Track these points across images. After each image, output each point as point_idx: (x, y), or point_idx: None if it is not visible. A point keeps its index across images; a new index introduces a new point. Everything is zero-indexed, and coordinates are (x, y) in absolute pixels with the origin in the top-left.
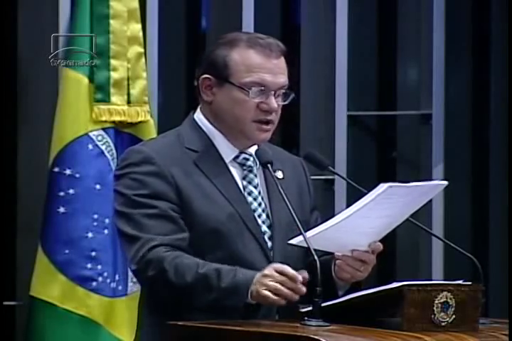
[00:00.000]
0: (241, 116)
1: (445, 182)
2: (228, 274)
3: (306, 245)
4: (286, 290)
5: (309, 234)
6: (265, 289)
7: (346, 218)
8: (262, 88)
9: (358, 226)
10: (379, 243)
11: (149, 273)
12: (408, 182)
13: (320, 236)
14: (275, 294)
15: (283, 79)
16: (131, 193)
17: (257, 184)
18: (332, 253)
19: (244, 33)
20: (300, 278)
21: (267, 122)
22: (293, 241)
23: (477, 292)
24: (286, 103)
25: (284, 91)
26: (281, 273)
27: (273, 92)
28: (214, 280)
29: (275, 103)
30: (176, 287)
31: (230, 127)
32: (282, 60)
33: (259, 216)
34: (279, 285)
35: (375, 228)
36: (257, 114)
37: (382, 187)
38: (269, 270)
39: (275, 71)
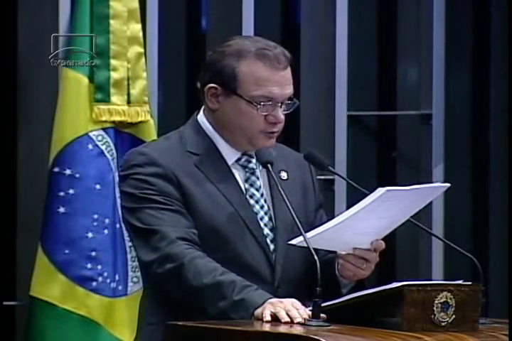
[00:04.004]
0: (248, 128)
1: (447, 185)
2: (243, 288)
3: (306, 245)
4: (286, 318)
5: (309, 235)
6: (269, 312)
7: (345, 220)
8: (270, 102)
9: (357, 227)
10: (381, 241)
11: (167, 266)
12: (408, 183)
13: (320, 237)
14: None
15: (289, 90)
16: (138, 191)
17: (260, 186)
18: (335, 252)
19: (251, 40)
20: (306, 316)
21: (273, 132)
22: (293, 242)
23: (477, 292)
24: (289, 111)
25: (288, 102)
26: (293, 304)
27: (280, 104)
28: (228, 290)
29: (282, 115)
30: (190, 286)
31: (236, 135)
32: (289, 70)
33: (262, 218)
34: (283, 312)
35: (376, 228)
36: (264, 126)
37: (380, 191)
38: (286, 300)
39: (282, 83)
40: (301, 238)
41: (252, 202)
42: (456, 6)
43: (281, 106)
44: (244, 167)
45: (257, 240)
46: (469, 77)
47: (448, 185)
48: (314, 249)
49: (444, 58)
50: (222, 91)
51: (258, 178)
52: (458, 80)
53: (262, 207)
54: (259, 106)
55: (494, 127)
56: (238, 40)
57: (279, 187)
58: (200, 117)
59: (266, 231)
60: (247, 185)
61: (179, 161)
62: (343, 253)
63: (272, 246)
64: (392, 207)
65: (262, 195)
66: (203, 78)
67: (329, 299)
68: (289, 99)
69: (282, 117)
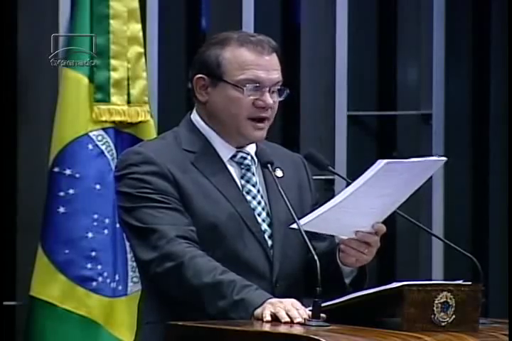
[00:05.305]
0: (236, 114)
1: (444, 159)
2: (243, 288)
3: (306, 229)
4: (286, 318)
5: (310, 217)
6: (269, 312)
7: (346, 198)
8: (257, 85)
9: (358, 206)
10: (382, 224)
11: (167, 265)
12: None
13: (321, 219)
14: (274, 318)
15: (277, 75)
16: (135, 191)
17: (256, 182)
18: (334, 247)
19: (234, 31)
20: (306, 316)
21: (262, 119)
22: (294, 226)
23: (477, 292)
24: (281, 99)
25: (278, 87)
26: (292, 304)
27: (268, 89)
28: (228, 290)
29: (270, 99)
30: (190, 285)
31: (226, 125)
32: (274, 56)
33: (259, 214)
34: (283, 312)
35: (377, 208)
36: (252, 111)
37: (380, 163)
38: (286, 300)
39: (268, 67)
40: (301, 222)
41: (248, 198)
42: (456, 6)
43: (270, 92)
44: (239, 163)
45: (255, 236)
46: (469, 77)
47: (445, 159)
48: (312, 245)
49: (444, 58)
50: (209, 80)
51: (254, 174)
52: (458, 80)
53: (259, 203)
54: (245, 89)
55: (494, 127)
56: (222, 33)
57: (279, 187)
58: (194, 116)
59: (263, 227)
60: (243, 182)
61: (175, 159)
62: (345, 238)
63: (269, 242)
64: (392, 183)
65: (258, 191)
66: (191, 74)
67: (329, 299)
68: (280, 86)
69: (271, 101)
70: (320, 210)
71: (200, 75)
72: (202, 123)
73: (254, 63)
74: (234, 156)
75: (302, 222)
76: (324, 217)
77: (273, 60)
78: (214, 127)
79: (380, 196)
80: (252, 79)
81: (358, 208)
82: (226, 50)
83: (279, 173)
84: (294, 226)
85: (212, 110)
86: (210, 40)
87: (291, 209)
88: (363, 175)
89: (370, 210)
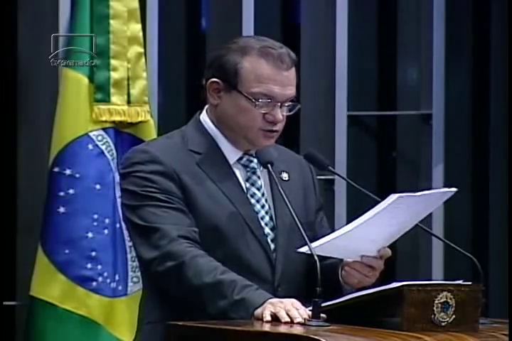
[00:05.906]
0: (246, 125)
1: (453, 190)
2: (244, 288)
3: (312, 252)
4: (286, 318)
5: (317, 243)
6: (270, 312)
7: (355, 227)
8: (269, 100)
9: (367, 234)
10: (387, 249)
11: (168, 264)
12: (408, 183)
13: (329, 245)
14: (275, 318)
15: (291, 90)
16: (140, 189)
17: (261, 186)
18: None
19: (257, 39)
20: (306, 316)
21: (272, 131)
22: (302, 250)
23: (477, 292)
24: (291, 114)
25: (290, 102)
26: (293, 304)
27: (279, 104)
28: (229, 290)
29: (281, 115)
30: (190, 285)
31: (233, 132)
32: (293, 71)
33: (262, 218)
34: (283, 312)
35: (384, 235)
36: (262, 123)
37: (392, 197)
38: (286, 300)
39: (285, 83)
40: (312, 245)
41: (252, 201)
42: (456, 6)
43: (281, 107)
44: (245, 166)
45: (258, 239)
46: (469, 77)
47: (454, 189)
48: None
49: (444, 58)
50: (223, 86)
51: (259, 178)
52: (458, 80)
53: (262, 207)
54: (257, 103)
55: (494, 127)
56: (244, 38)
57: (279, 187)
58: (203, 116)
59: (266, 230)
60: (248, 185)
61: (181, 159)
62: (350, 260)
63: (272, 246)
64: (401, 214)
65: (263, 195)
66: (206, 74)
67: (329, 299)
68: (291, 100)
69: (281, 117)
70: (329, 237)
71: (215, 79)
72: (210, 124)
73: (271, 78)
74: (240, 159)
75: (313, 245)
76: (333, 243)
77: (290, 76)
78: (222, 130)
79: (389, 225)
80: (265, 94)
81: (367, 236)
82: (245, 60)
83: (285, 176)
84: (302, 250)
85: (222, 114)
86: (231, 45)
87: (291, 211)
88: (375, 208)
89: (377, 237)
